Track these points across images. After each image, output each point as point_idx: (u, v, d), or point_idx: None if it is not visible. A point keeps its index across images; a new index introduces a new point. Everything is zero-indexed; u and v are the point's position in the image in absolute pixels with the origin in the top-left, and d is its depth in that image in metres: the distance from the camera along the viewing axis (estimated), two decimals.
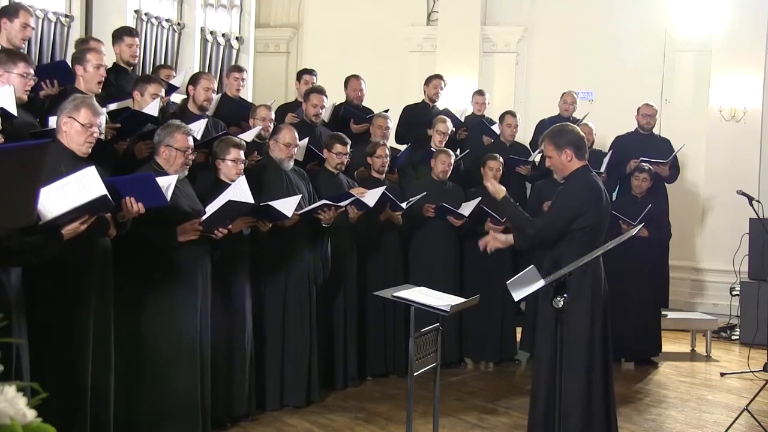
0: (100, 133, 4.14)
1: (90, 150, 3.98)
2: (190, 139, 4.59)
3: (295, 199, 5.13)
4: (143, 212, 4.00)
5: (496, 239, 4.61)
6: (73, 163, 3.85)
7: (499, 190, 4.46)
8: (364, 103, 7.48)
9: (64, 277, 3.82)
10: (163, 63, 8.40)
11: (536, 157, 7.41)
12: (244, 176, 4.87)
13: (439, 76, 7.96)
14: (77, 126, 3.91)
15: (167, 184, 4.12)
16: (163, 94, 5.36)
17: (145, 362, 4.37)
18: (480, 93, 8.32)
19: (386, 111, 7.21)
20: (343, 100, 7.50)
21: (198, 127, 5.33)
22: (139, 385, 4.31)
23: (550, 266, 4.07)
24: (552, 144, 4.21)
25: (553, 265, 4.06)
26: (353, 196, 5.72)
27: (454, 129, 7.38)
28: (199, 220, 4.45)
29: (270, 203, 4.97)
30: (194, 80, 5.94)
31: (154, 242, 4.36)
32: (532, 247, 4.64)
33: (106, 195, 3.58)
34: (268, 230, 5.17)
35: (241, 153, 5.02)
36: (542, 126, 8.27)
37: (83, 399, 3.87)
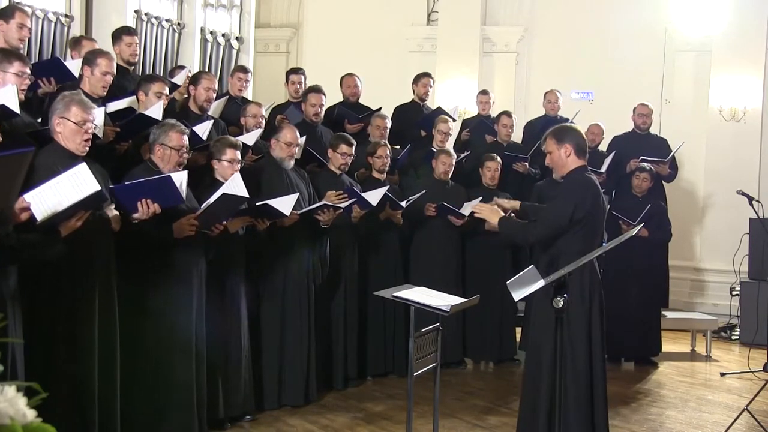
0: (95, 128, 4.11)
1: (87, 147, 3.96)
2: (185, 137, 4.57)
3: (292, 197, 5.11)
4: (159, 212, 4.09)
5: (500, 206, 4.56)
6: (71, 162, 3.84)
7: (493, 216, 4.32)
8: (364, 103, 7.46)
9: (67, 277, 3.81)
10: (163, 63, 8.41)
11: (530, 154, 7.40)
12: (239, 173, 4.85)
13: (427, 74, 7.92)
14: (71, 125, 3.89)
15: (179, 181, 4.16)
16: (168, 92, 5.36)
17: (142, 360, 4.36)
18: (484, 93, 8.34)
19: (378, 109, 7.17)
20: (342, 99, 7.49)
21: (204, 129, 5.31)
22: (136, 383, 4.30)
23: (547, 262, 4.06)
24: (554, 139, 4.22)
25: (551, 261, 4.05)
26: (356, 195, 5.72)
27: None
28: (194, 215, 4.43)
29: (267, 201, 4.95)
30: (195, 80, 5.93)
31: (151, 239, 4.35)
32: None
33: (100, 190, 3.59)
34: (266, 229, 5.15)
35: (237, 153, 5.01)
36: (530, 127, 8.30)
37: (91, 399, 3.88)
